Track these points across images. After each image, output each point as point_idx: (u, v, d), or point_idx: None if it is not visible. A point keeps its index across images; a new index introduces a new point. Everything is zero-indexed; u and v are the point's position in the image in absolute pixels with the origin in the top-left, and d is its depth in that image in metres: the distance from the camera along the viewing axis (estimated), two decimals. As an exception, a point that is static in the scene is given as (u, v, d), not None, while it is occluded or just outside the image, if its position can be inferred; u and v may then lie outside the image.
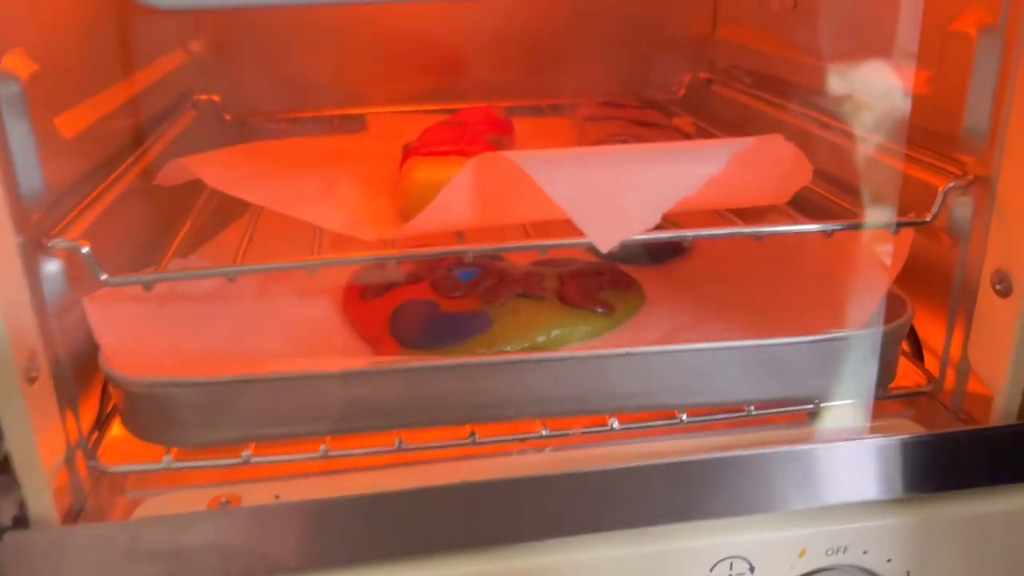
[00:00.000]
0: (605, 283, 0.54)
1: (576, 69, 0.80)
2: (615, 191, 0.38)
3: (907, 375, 0.50)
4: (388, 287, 0.53)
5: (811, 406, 0.47)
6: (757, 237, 0.42)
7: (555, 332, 0.50)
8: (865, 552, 0.44)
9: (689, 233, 0.43)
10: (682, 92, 0.82)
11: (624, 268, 0.57)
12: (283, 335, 0.49)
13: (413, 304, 0.51)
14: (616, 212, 0.38)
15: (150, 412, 0.40)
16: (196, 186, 0.55)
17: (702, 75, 0.81)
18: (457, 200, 0.40)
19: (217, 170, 0.50)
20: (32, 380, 0.37)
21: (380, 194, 0.50)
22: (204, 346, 0.46)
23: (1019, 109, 0.42)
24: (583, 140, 0.60)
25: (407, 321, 0.49)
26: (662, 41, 0.81)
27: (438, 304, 0.51)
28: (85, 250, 0.38)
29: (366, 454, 0.43)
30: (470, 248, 0.42)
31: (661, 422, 0.45)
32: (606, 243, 0.38)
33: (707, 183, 0.40)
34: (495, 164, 0.39)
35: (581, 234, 0.39)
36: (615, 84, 0.81)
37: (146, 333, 0.44)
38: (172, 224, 0.55)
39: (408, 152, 0.53)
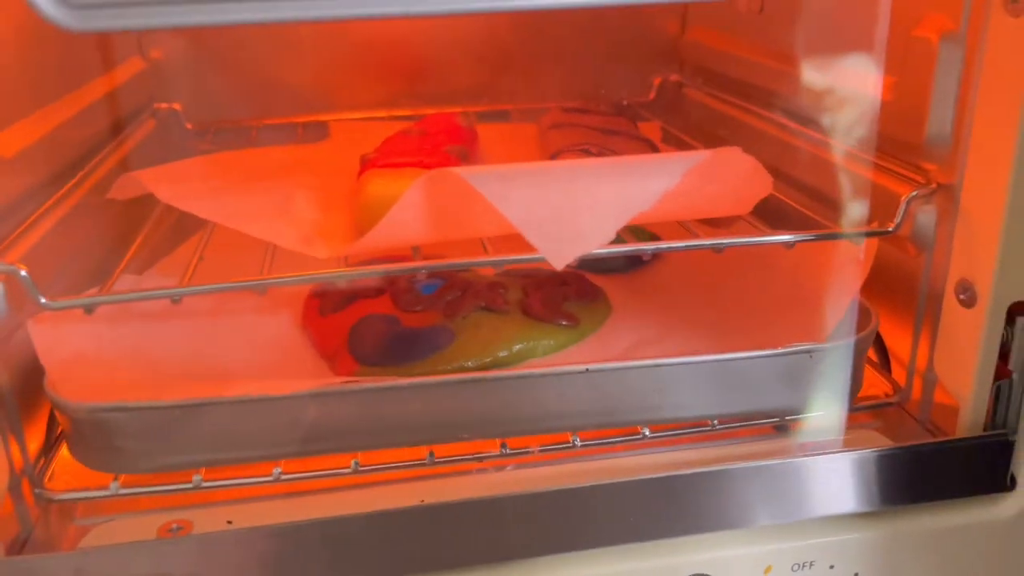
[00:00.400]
0: (571, 294, 0.53)
1: (545, 72, 0.79)
2: (569, 208, 0.37)
3: (875, 385, 0.50)
4: (349, 300, 0.52)
5: (776, 420, 0.46)
6: (717, 249, 0.42)
7: (517, 347, 0.49)
8: (832, 567, 0.44)
9: (648, 247, 0.42)
10: (652, 95, 0.81)
11: (591, 277, 0.56)
12: (238, 352, 0.48)
13: (373, 319, 0.50)
14: (570, 229, 0.37)
15: (95, 438, 0.39)
16: (153, 199, 0.54)
17: (672, 77, 0.81)
18: (409, 216, 0.39)
19: (170, 184, 0.48)
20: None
21: (337, 207, 0.49)
22: (156, 366, 0.45)
23: (981, 117, 0.41)
24: (546, 148, 0.59)
25: (366, 337, 0.48)
26: (632, 43, 0.81)
27: (398, 319, 0.50)
28: (23, 273, 0.37)
29: (321, 476, 0.42)
30: (424, 265, 0.41)
31: (623, 438, 0.44)
32: (560, 260, 0.37)
33: (665, 196, 0.39)
34: (447, 180, 0.38)
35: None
36: (585, 87, 0.81)
37: (95, 355, 0.43)
38: (128, 237, 0.53)
39: (366, 164, 0.52)
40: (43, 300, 0.37)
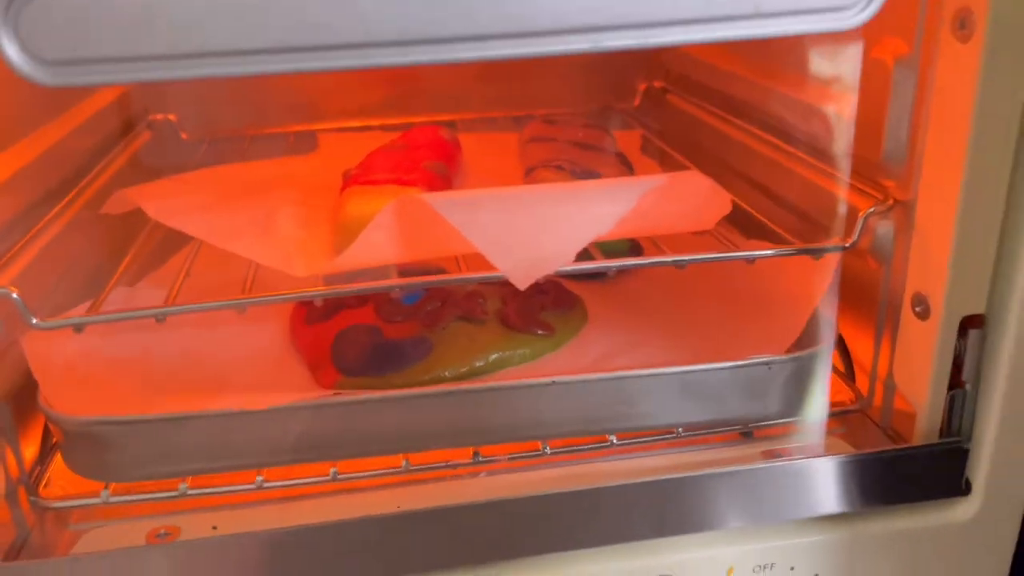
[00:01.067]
0: (548, 303, 0.55)
1: (532, 78, 0.81)
2: (531, 232, 0.39)
3: (840, 392, 0.51)
4: (334, 310, 0.54)
5: (740, 428, 0.48)
6: (679, 265, 0.43)
7: (494, 356, 0.50)
8: (792, 568, 0.46)
9: (612, 264, 0.44)
10: (637, 101, 0.83)
11: (569, 284, 0.58)
12: (226, 363, 0.50)
13: (355, 331, 0.52)
14: (532, 252, 0.39)
15: (87, 449, 0.41)
16: (144, 213, 0.56)
17: (657, 84, 0.82)
18: (381, 238, 0.41)
19: (160, 201, 0.50)
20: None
21: (319, 224, 0.51)
22: (146, 378, 0.47)
23: (933, 137, 0.43)
24: (524, 161, 0.60)
25: (347, 349, 0.50)
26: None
27: (380, 330, 0.52)
28: (15, 296, 0.39)
29: (301, 484, 0.44)
30: (397, 283, 0.43)
31: (591, 446, 0.46)
32: (523, 282, 0.39)
33: (628, 216, 0.41)
34: (415, 206, 0.40)
35: (506, 268, 0.40)
36: (571, 92, 0.82)
37: (85, 369, 0.45)
38: (121, 249, 0.55)
39: (347, 180, 0.53)
40: (34, 321, 0.39)
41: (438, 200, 0.39)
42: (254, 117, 0.77)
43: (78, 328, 0.41)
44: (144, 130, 0.73)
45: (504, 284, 0.56)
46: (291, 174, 0.61)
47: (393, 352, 0.51)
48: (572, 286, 0.58)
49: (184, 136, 0.77)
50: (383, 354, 0.51)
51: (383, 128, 0.74)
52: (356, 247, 0.41)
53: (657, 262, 0.44)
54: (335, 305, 0.55)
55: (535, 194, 0.43)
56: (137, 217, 0.58)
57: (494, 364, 0.51)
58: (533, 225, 0.39)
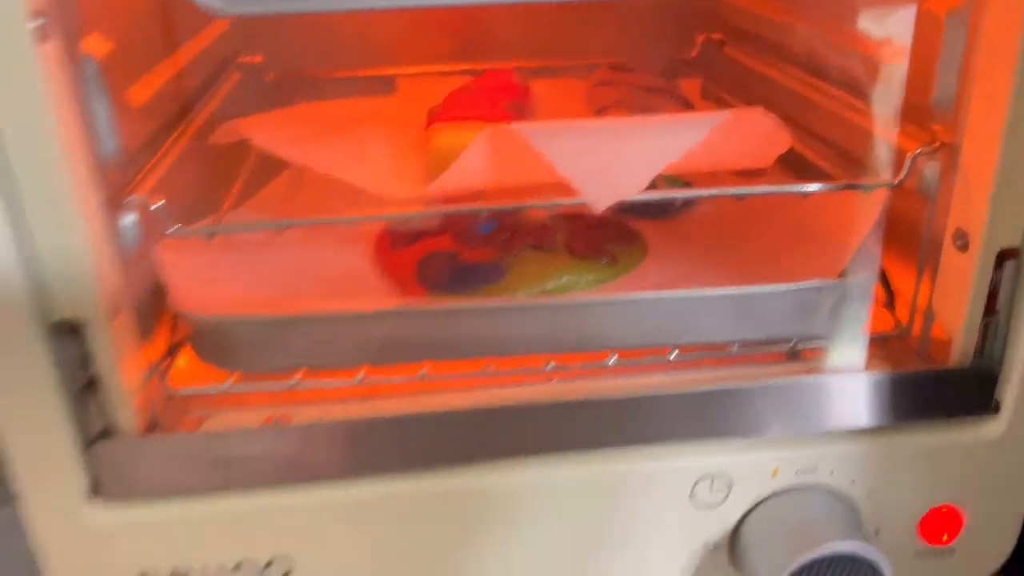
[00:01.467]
0: (611, 236, 0.60)
1: (595, 30, 0.85)
2: (609, 159, 0.43)
3: (881, 320, 0.56)
4: (415, 238, 0.60)
5: (788, 347, 0.53)
6: (739, 198, 0.48)
7: (563, 280, 0.56)
8: (831, 473, 0.51)
9: (679, 193, 0.48)
10: (695, 52, 0.86)
11: (631, 222, 0.63)
12: (324, 278, 0.56)
13: (437, 255, 0.57)
14: (610, 177, 0.43)
15: (214, 344, 0.48)
16: (247, 143, 0.62)
17: (715, 36, 0.86)
18: (474, 165, 0.46)
19: (265, 132, 0.56)
20: (115, 316, 0.44)
21: (407, 156, 0.56)
22: (257, 286, 0.53)
23: (980, 85, 0.46)
24: (593, 104, 0.65)
25: (431, 270, 0.56)
26: (677, 2, 0.85)
27: (458, 255, 0.58)
28: (156, 205, 0.45)
29: (396, 382, 0.50)
30: (484, 207, 0.48)
31: (654, 359, 0.51)
32: (600, 205, 0.44)
33: (694, 150, 0.45)
34: (506, 134, 0.45)
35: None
36: (632, 43, 0.86)
37: (208, 275, 0.51)
38: (227, 177, 0.61)
39: (432, 117, 0.58)
40: (173, 228, 0.45)
41: (527, 129, 0.44)
42: (334, 60, 0.82)
43: (209, 236, 0.46)
44: (234, 71, 0.79)
45: (572, 218, 0.61)
46: (377, 112, 0.66)
47: (471, 274, 0.56)
48: (631, 223, 0.63)
49: (269, 78, 0.82)
50: (462, 276, 0.56)
51: (457, 73, 0.79)
52: (451, 173, 0.46)
53: (720, 193, 0.48)
54: (416, 234, 0.60)
55: (613, 125, 0.47)
56: (240, 148, 0.63)
57: (563, 287, 0.56)
58: (611, 153, 0.44)
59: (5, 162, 0.39)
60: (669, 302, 0.48)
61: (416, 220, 0.50)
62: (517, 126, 0.45)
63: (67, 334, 0.43)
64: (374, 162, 0.54)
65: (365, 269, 0.58)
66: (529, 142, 0.43)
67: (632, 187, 0.44)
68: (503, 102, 0.60)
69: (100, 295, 0.43)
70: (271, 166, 0.64)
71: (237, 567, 0.47)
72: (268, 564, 0.47)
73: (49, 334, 0.42)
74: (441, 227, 0.61)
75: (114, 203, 0.45)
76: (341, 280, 0.55)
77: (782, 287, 0.49)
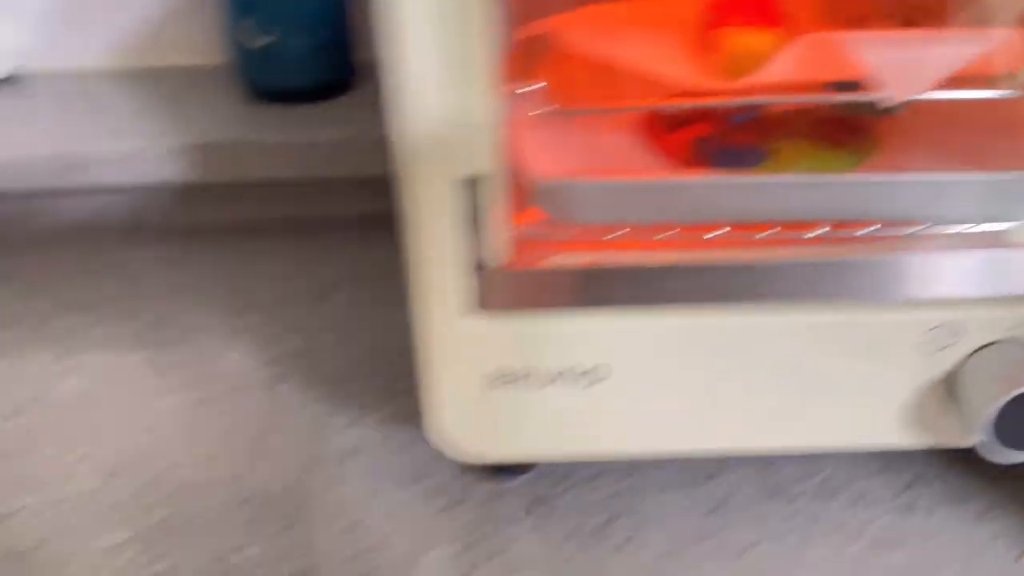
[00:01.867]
0: (847, 130, 0.72)
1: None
2: (911, 60, 0.55)
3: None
4: (682, 123, 0.73)
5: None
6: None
7: (818, 164, 0.68)
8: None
9: (955, 94, 0.59)
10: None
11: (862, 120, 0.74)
12: (620, 153, 0.69)
13: (707, 138, 0.71)
14: (909, 76, 0.55)
15: (558, 201, 0.62)
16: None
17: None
18: (785, 66, 0.58)
19: (574, 30, 0.69)
20: (492, 179, 0.58)
21: (696, 53, 0.68)
22: (572, 160, 0.67)
23: None
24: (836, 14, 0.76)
25: (703, 151, 0.69)
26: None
27: (722, 139, 0.71)
28: (529, 88, 0.59)
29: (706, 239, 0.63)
30: (783, 98, 0.60)
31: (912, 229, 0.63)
32: (900, 96, 0.56)
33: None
34: (818, 41, 0.57)
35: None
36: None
37: (549, 146, 0.65)
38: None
39: (710, 21, 0.70)
40: (542, 110, 0.59)
41: (846, 37, 0.57)
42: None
43: (566, 116, 0.60)
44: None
45: (814, 114, 0.73)
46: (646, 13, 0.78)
47: (739, 156, 0.69)
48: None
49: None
50: (731, 157, 0.69)
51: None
52: (770, 68, 0.58)
53: (969, 95, 0.60)
54: (683, 119, 0.73)
55: (912, 34, 0.59)
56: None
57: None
58: (910, 54, 0.56)
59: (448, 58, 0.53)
60: (924, 184, 0.60)
61: (723, 109, 0.62)
62: (833, 35, 0.57)
63: (468, 187, 0.58)
64: (677, 60, 0.66)
65: (643, 148, 0.72)
66: (844, 46, 0.56)
67: (925, 86, 0.56)
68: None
69: (492, 160, 0.57)
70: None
71: (570, 368, 0.63)
72: (592, 369, 0.63)
73: (459, 186, 0.57)
74: (701, 114, 0.73)
75: (507, 87, 0.59)
76: (632, 155, 0.68)
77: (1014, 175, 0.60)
